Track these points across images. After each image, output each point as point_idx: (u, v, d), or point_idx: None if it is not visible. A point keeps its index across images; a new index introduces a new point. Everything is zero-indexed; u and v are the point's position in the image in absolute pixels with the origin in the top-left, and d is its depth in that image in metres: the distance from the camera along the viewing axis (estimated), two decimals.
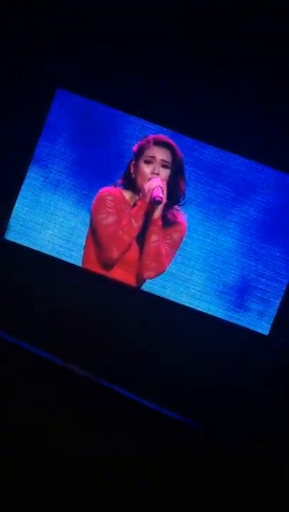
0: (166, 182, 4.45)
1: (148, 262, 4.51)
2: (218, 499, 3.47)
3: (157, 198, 4.36)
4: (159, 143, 4.45)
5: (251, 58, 4.60)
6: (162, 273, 4.58)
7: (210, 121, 4.68)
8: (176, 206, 4.54)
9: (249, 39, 4.56)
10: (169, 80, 4.67)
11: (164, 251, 4.53)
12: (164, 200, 4.40)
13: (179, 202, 4.54)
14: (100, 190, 4.55)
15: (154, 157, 4.43)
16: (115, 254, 4.50)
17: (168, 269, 4.60)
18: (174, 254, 4.60)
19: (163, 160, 4.43)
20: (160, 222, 4.46)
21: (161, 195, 4.37)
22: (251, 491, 3.58)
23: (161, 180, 4.41)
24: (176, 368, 4.55)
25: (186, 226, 4.60)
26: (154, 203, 4.38)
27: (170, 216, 4.52)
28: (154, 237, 4.46)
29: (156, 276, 4.57)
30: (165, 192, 4.42)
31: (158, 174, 4.42)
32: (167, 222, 4.51)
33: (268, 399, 4.36)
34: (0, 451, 3.32)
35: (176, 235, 4.57)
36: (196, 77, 4.66)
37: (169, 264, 4.60)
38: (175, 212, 4.56)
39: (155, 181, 4.40)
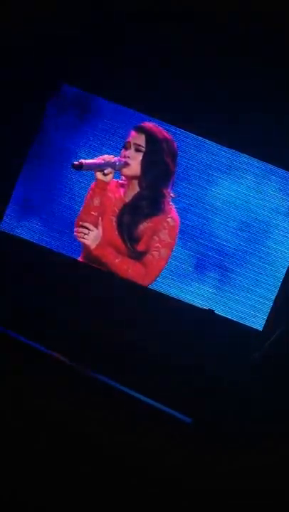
0: (141, 164, 4.49)
1: None
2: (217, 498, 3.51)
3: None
4: (136, 128, 4.54)
5: None
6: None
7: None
8: (167, 196, 4.56)
9: None
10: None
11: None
12: (84, 163, 4.35)
13: (162, 185, 4.55)
14: None
15: (129, 142, 4.53)
16: None
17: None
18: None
19: (136, 144, 4.50)
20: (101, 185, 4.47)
21: (81, 160, 4.36)
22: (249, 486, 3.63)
23: (120, 158, 4.46)
24: (167, 361, 4.58)
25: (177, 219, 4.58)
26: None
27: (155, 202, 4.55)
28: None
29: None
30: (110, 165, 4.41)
31: (129, 157, 4.48)
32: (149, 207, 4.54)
33: (261, 392, 4.39)
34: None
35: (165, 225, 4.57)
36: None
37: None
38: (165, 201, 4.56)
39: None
